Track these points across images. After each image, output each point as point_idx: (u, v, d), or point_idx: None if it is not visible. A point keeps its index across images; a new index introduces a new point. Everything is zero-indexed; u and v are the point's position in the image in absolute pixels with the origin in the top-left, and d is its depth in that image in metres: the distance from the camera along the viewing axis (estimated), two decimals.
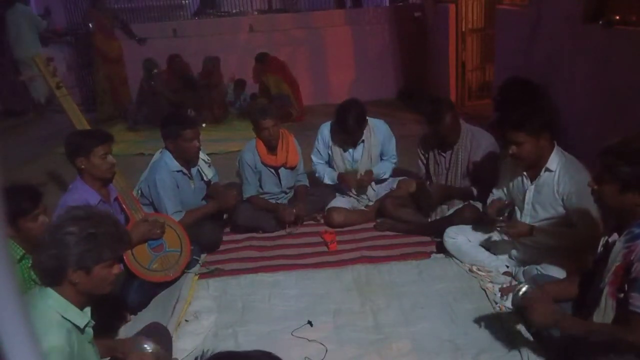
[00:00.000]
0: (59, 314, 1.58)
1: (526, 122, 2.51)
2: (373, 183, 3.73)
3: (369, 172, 3.66)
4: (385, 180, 3.80)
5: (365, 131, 3.61)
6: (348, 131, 3.54)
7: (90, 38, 7.04)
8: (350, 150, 3.70)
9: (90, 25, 6.93)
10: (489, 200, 2.93)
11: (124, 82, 7.27)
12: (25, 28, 7.11)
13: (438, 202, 3.35)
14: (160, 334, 2.20)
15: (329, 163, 3.80)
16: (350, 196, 3.75)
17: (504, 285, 2.49)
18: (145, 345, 1.85)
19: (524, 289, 1.99)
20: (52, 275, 1.60)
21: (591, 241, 2.37)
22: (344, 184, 3.70)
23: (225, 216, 3.66)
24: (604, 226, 2.33)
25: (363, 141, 3.65)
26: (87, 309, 1.69)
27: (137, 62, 6.85)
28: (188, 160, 3.30)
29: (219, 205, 3.40)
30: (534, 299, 1.95)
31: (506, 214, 2.71)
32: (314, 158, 3.82)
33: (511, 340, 2.29)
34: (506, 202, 2.75)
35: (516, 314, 2.30)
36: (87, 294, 1.65)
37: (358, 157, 3.69)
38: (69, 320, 1.60)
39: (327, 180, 3.75)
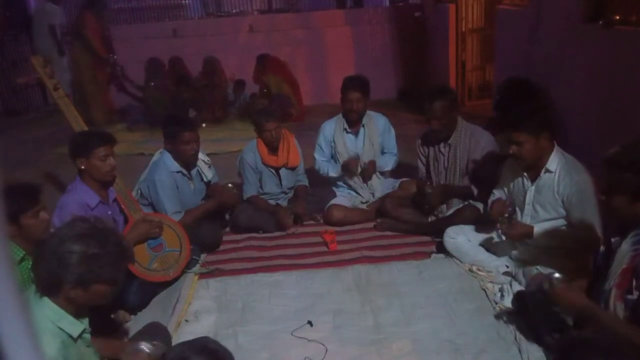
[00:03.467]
0: (54, 324, 1.56)
1: (527, 121, 2.52)
2: (378, 173, 3.74)
3: (371, 162, 3.64)
4: (389, 174, 3.82)
5: (365, 118, 3.65)
6: (351, 87, 3.55)
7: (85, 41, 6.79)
8: (353, 137, 3.70)
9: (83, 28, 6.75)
10: (490, 200, 2.93)
11: (108, 87, 7.10)
12: (46, 28, 7.02)
13: (438, 204, 3.35)
14: (160, 334, 2.20)
15: (333, 159, 3.80)
16: (355, 183, 3.72)
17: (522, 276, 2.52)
18: (142, 346, 1.84)
19: (557, 275, 1.98)
20: (48, 287, 1.57)
21: (591, 242, 2.37)
22: (347, 173, 3.67)
23: (227, 216, 3.65)
24: (607, 229, 2.32)
25: (364, 126, 3.67)
26: (85, 320, 1.68)
27: (136, 62, 6.84)
28: (185, 162, 3.30)
29: (218, 202, 3.39)
30: (565, 286, 1.93)
31: (507, 215, 2.71)
32: (317, 156, 3.81)
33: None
34: (508, 203, 2.75)
35: (535, 306, 2.27)
36: (83, 306, 1.64)
37: (360, 145, 3.69)
38: (64, 331, 1.58)
39: (331, 173, 3.73)
